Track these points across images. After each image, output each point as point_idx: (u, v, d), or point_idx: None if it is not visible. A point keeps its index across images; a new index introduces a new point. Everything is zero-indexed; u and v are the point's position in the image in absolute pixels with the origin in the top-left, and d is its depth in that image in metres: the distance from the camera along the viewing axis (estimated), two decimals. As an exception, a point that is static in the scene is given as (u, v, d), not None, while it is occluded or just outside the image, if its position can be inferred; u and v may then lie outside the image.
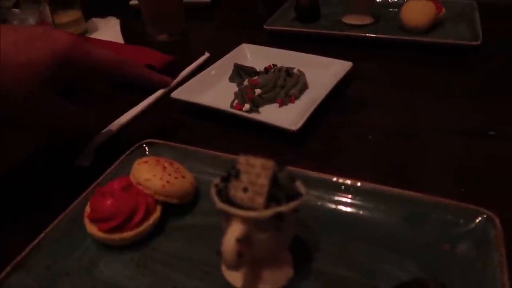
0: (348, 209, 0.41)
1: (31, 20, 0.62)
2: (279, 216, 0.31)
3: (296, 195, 0.32)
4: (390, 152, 0.51)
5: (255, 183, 0.30)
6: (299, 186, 0.34)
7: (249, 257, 0.32)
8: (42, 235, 0.39)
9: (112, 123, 0.59)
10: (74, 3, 0.89)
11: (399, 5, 0.82)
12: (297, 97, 0.60)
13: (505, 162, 0.48)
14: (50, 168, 0.53)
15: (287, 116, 0.56)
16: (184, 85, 0.62)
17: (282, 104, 0.59)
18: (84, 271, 0.38)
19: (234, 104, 0.58)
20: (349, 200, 0.42)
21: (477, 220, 0.37)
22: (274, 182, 0.31)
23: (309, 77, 0.63)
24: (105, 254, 0.39)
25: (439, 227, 0.38)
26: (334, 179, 0.43)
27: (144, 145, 0.50)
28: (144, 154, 0.49)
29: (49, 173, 0.52)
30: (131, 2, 1.03)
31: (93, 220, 0.39)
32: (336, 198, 0.42)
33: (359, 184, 0.42)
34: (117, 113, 0.62)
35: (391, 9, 0.87)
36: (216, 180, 0.34)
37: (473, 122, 0.55)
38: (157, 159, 0.44)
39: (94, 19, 0.97)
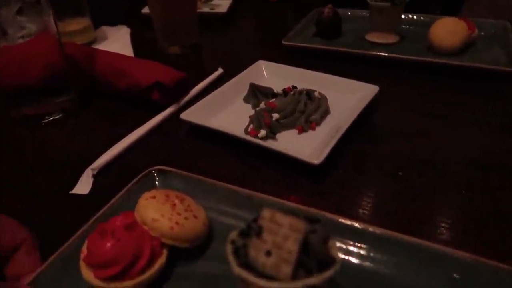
0: (380, 267, 0.35)
1: (33, 28, 0.58)
2: None
3: (329, 261, 0.27)
4: (420, 191, 0.46)
5: (282, 247, 0.25)
6: (333, 248, 0.28)
7: None
8: (31, 279, 0.34)
9: (115, 145, 0.54)
10: (83, 11, 0.85)
11: (426, 24, 0.77)
12: (318, 124, 0.55)
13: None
14: (44, 196, 0.48)
15: (307, 145, 0.51)
16: (195, 106, 0.57)
17: (301, 131, 0.54)
18: None
19: (249, 130, 0.53)
20: (380, 256, 0.35)
21: None
22: (305, 246, 0.26)
23: (331, 101, 0.58)
24: None
25: None
26: (371, 228, 0.36)
27: (154, 172, 0.45)
28: (153, 183, 0.44)
29: (42, 202, 0.47)
30: (143, 11, 0.99)
31: (90, 265, 0.34)
32: (365, 252, 0.36)
33: (392, 235, 0.36)
34: (122, 131, 0.57)
35: (417, 28, 0.82)
36: (233, 235, 0.29)
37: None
38: (167, 194, 0.39)
39: (103, 28, 0.93)
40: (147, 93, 0.61)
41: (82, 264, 0.35)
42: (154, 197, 0.38)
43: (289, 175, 0.48)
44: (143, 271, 0.34)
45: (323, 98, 0.57)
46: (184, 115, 0.55)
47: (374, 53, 0.72)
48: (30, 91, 0.60)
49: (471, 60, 0.68)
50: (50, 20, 0.58)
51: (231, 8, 0.99)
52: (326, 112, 0.57)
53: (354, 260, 0.36)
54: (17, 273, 0.35)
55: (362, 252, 0.36)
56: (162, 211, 0.36)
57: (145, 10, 0.97)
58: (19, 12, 0.56)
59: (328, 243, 0.28)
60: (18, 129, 0.61)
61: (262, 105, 0.57)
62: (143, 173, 0.44)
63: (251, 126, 0.53)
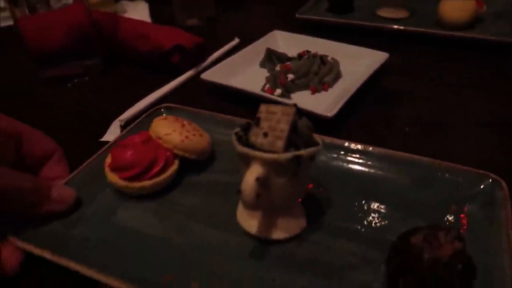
0: (362, 172, 0.42)
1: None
2: (297, 160, 0.31)
3: (313, 143, 0.33)
4: (420, 145, 0.49)
5: (276, 128, 0.31)
6: (316, 137, 0.34)
7: (266, 201, 0.33)
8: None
9: (139, 101, 0.58)
10: (105, -16, 0.89)
11: (436, 0, 0.80)
12: (330, 85, 0.58)
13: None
14: (75, 144, 0.52)
15: (320, 103, 0.54)
16: (214, 67, 0.60)
17: (315, 91, 0.57)
18: (103, 217, 0.38)
19: (266, 88, 0.56)
20: (363, 163, 0.43)
21: (485, 183, 0.38)
22: (294, 128, 0.31)
23: (343, 67, 0.61)
24: (124, 203, 0.40)
25: (447, 189, 0.39)
26: (347, 143, 0.44)
27: (162, 110, 0.51)
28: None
29: (75, 149, 0.51)
30: (160, -13, 1.02)
31: (114, 169, 0.40)
32: (350, 160, 0.43)
33: (371, 149, 0.43)
34: (144, 92, 0.61)
35: (428, 4, 0.84)
36: (237, 130, 0.34)
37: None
38: (176, 118, 0.45)
39: (123, 1, 0.96)
40: (167, 56, 0.64)
41: (107, 169, 0.41)
42: (165, 118, 0.44)
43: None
44: (158, 174, 0.40)
45: (335, 62, 0.60)
46: (204, 75, 0.58)
47: (385, 25, 0.75)
48: (59, 54, 0.63)
49: (479, 33, 0.71)
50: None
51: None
52: (338, 75, 0.60)
53: (335, 164, 0.43)
54: (50, 178, 0.40)
55: (343, 159, 0.43)
56: (173, 128, 0.42)
57: (163, -14, 1.00)
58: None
59: (313, 131, 0.34)
60: (46, 89, 0.65)
61: (278, 68, 0.60)
62: (152, 109, 0.50)
63: (268, 85, 0.57)
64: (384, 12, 0.81)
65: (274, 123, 0.31)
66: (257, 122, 0.32)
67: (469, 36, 0.69)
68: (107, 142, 0.50)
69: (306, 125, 0.33)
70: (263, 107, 0.32)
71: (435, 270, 0.27)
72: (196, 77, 0.61)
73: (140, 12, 0.92)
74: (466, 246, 0.28)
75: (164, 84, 0.63)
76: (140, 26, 0.68)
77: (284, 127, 0.30)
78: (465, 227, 0.35)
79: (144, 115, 0.50)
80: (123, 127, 0.53)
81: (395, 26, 0.74)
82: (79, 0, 0.61)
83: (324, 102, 0.54)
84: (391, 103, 0.57)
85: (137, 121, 0.49)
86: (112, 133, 0.51)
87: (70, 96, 0.63)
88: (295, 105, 0.32)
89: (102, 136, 0.52)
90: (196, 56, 0.67)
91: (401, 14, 0.80)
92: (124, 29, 0.68)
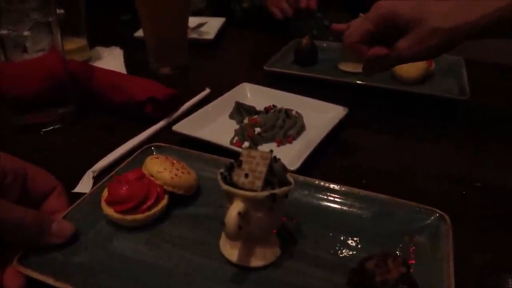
0: (329, 207, 0.48)
1: (44, 45, 0.64)
2: (273, 197, 0.37)
3: (287, 183, 0.39)
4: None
5: (255, 170, 0.37)
6: (290, 177, 0.40)
7: (246, 232, 0.38)
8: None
9: (113, 152, 0.60)
10: (80, 31, 0.92)
11: (391, 57, 0.87)
12: (294, 138, 0.62)
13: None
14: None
15: (285, 155, 0.57)
16: (186, 119, 0.64)
17: (280, 143, 0.61)
18: (99, 245, 0.42)
19: (234, 141, 0.60)
20: (330, 199, 0.49)
21: (432, 218, 0.44)
22: (270, 170, 0.37)
23: (306, 119, 0.66)
24: (118, 233, 0.44)
25: (401, 223, 0.45)
26: (316, 182, 0.50)
27: (153, 148, 0.56)
28: (152, 154, 0.54)
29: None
30: (135, 34, 1.06)
31: (110, 203, 0.44)
32: (319, 196, 0.49)
33: (337, 187, 0.49)
34: (118, 141, 0.63)
35: (384, 60, 0.92)
36: (222, 169, 0.40)
37: (461, 171, 0.58)
38: (166, 157, 0.50)
39: (98, 48, 0.99)
40: (141, 107, 0.67)
41: (103, 203, 0.45)
42: (157, 158, 0.49)
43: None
44: (150, 208, 0.44)
45: (299, 116, 0.65)
46: (176, 127, 0.62)
47: (345, 80, 0.81)
48: (33, 102, 0.65)
49: (429, 89, 0.78)
50: (58, 39, 0.64)
51: (218, 35, 1.08)
52: (302, 128, 0.64)
53: (305, 200, 0.49)
54: (51, 211, 0.44)
55: (311, 195, 0.49)
56: (164, 166, 0.47)
57: (138, 33, 1.04)
58: (32, 29, 0.62)
59: (287, 172, 0.40)
60: (19, 136, 0.66)
61: (246, 120, 0.64)
62: (144, 147, 0.56)
63: (236, 138, 0.60)
64: (345, 66, 0.88)
65: (254, 166, 0.37)
66: (239, 164, 0.38)
67: (416, 92, 0.77)
68: (81, 194, 0.52)
69: (281, 167, 0.39)
70: (244, 152, 0.38)
71: None
72: (169, 127, 0.64)
73: (114, 59, 0.95)
74: (410, 271, 0.34)
75: (138, 132, 0.65)
76: (114, 77, 0.71)
77: (262, 169, 0.36)
78: (414, 255, 0.42)
79: (137, 152, 0.55)
80: (96, 178, 0.55)
81: (354, 81, 0.80)
82: (55, 49, 0.64)
83: (289, 154, 0.58)
84: (350, 155, 0.62)
85: (131, 158, 0.54)
86: (85, 185, 0.53)
87: (43, 144, 0.64)
88: (271, 151, 0.38)
89: (74, 186, 0.54)
90: (168, 106, 0.70)
91: (360, 68, 0.87)
92: (98, 79, 0.71)
